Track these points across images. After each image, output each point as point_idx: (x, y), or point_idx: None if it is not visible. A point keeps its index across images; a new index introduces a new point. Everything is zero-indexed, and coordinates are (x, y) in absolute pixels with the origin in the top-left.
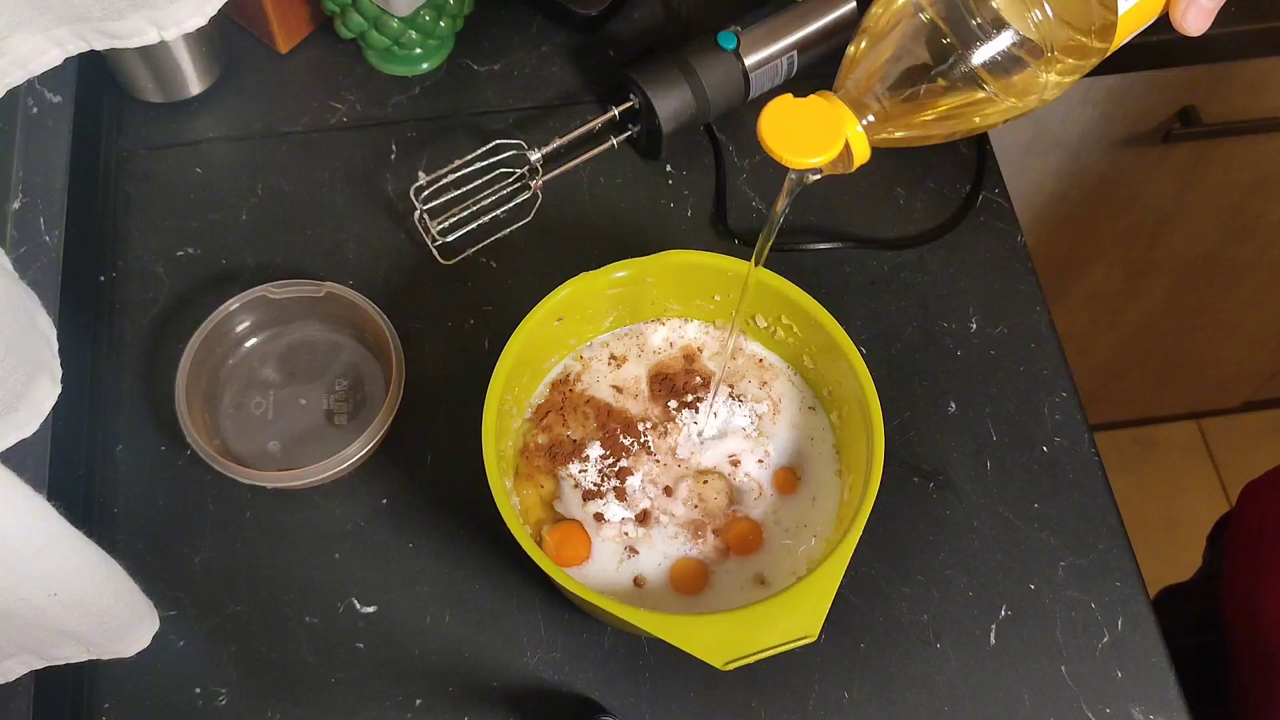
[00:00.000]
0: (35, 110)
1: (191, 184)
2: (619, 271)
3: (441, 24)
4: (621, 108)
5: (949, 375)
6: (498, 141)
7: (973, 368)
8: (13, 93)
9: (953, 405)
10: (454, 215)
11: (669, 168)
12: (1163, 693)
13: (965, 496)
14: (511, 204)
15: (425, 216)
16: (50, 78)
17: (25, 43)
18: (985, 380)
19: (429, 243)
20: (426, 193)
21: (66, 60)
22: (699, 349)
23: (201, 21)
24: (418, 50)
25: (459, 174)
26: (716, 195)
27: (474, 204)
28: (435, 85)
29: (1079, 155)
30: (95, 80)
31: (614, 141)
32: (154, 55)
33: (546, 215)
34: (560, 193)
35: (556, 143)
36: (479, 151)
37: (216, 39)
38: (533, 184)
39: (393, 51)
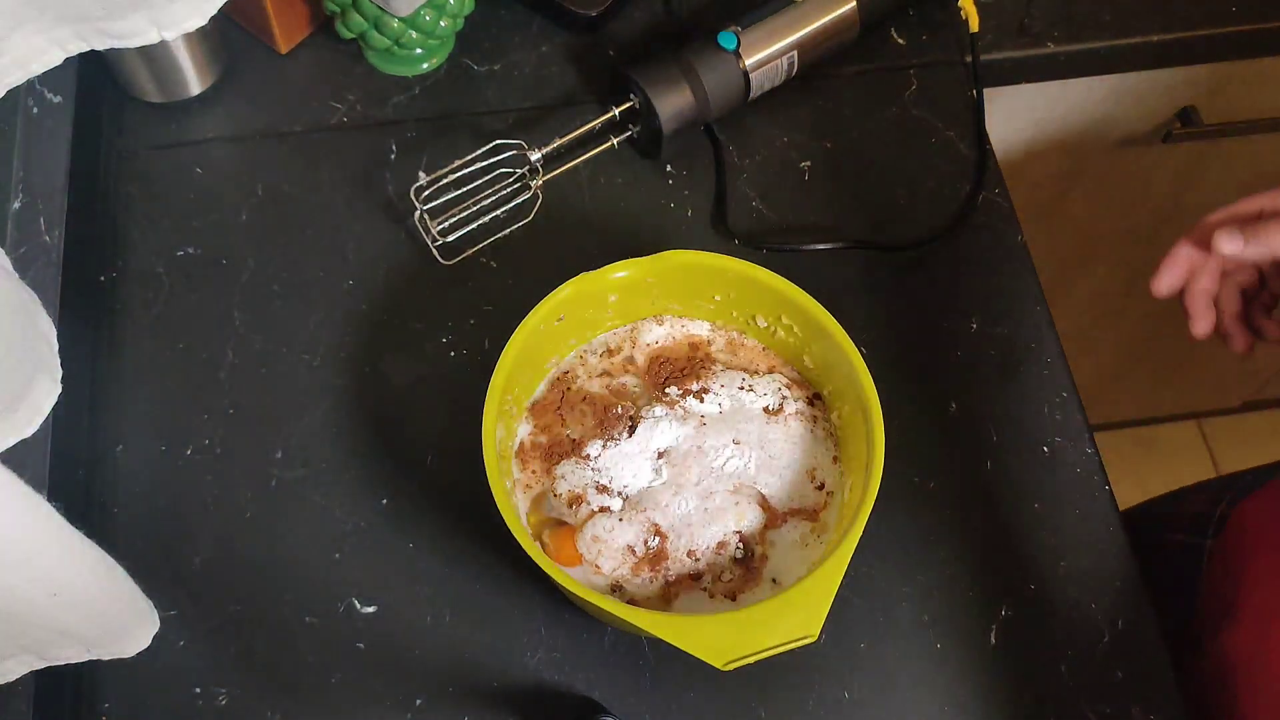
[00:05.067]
0: (35, 110)
1: (191, 184)
2: (619, 272)
3: (441, 24)
4: (621, 108)
5: (949, 375)
6: (498, 141)
7: (973, 368)
8: (13, 93)
9: (953, 405)
10: (454, 215)
11: (669, 168)
12: (1163, 693)
13: (965, 496)
14: (512, 204)
15: (425, 217)
16: (50, 78)
17: (25, 43)
18: (985, 380)
19: (429, 243)
20: (427, 193)
21: (66, 60)
22: (707, 341)
23: (201, 21)
24: (418, 50)
25: (459, 174)
26: (716, 195)
27: (474, 204)
28: (435, 85)
29: (1079, 155)
30: (95, 80)
31: (614, 141)
32: (154, 55)
33: (546, 215)
34: (560, 193)
35: (556, 143)
36: (479, 151)
37: (216, 39)
38: (533, 184)
39: (393, 51)
